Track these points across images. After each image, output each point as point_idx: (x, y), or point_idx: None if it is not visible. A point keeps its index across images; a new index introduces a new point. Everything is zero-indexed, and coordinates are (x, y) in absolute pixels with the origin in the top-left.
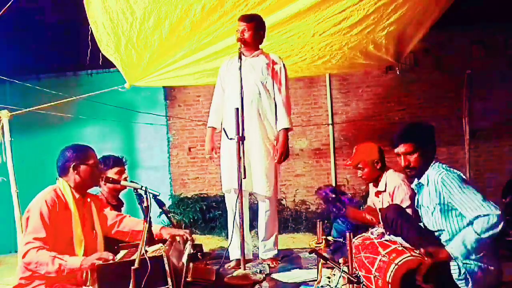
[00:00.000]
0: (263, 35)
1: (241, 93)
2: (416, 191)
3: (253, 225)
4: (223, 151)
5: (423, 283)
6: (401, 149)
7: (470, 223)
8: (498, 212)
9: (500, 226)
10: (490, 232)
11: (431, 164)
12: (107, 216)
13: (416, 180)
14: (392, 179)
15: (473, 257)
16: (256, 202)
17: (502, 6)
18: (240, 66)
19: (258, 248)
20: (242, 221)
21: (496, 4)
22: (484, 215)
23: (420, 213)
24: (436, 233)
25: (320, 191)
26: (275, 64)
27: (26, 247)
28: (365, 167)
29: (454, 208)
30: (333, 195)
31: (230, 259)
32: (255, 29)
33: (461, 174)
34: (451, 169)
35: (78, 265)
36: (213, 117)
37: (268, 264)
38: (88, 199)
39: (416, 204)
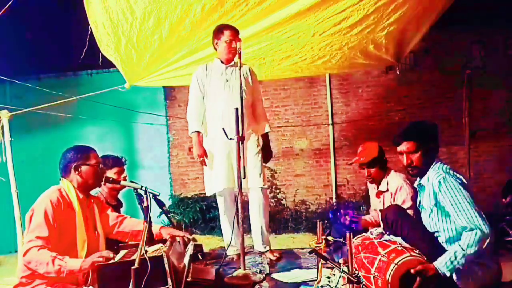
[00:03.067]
0: None
1: (241, 93)
2: (418, 191)
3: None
4: (209, 154)
5: None
6: (403, 147)
7: (463, 229)
8: (487, 229)
9: (486, 243)
10: (476, 248)
11: (433, 164)
12: (108, 217)
13: (417, 180)
14: (394, 179)
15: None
16: (246, 200)
17: (502, 6)
18: (240, 66)
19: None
20: (238, 220)
21: (496, 4)
22: (471, 229)
23: (420, 214)
24: (435, 234)
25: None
26: (253, 74)
27: (28, 245)
28: (375, 165)
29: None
30: (346, 216)
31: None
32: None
33: (462, 178)
34: (452, 172)
35: (78, 267)
36: (196, 121)
37: (270, 258)
38: (92, 200)
39: (417, 204)
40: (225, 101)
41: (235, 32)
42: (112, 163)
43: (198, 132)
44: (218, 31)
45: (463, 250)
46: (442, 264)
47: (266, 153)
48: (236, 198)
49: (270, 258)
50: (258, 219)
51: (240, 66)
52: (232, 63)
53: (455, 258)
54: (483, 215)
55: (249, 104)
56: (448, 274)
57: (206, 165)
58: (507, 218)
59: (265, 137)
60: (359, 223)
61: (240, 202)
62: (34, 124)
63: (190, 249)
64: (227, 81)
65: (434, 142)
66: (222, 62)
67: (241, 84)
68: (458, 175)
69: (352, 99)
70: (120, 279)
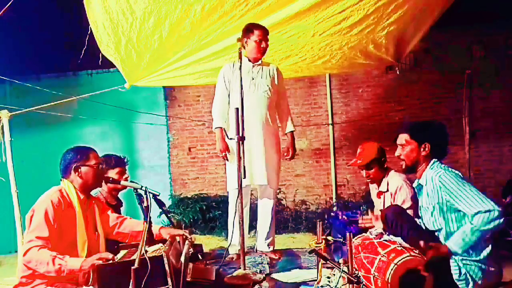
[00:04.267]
0: None
1: (241, 94)
2: (416, 191)
3: (252, 225)
4: (231, 150)
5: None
6: (398, 139)
7: (470, 219)
8: (499, 208)
9: (501, 221)
10: (490, 226)
11: (431, 164)
12: (108, 218)
13: (416, 181)
14: (394, 180)
15: (472, 257)
16: (256, 202)
17: (502, 6)
18: (240, 66)
19: (258, 244)
20: (242, 220)
21: (496, 4)
22: (485, 211)
23: (420, 214)
24: (436, 233)
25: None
26: (279, 73)
27: (28, 245)
28: (374, 166)
29: (453, 207)
30: (347, 217)
31: (230, 253)
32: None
33: (460, 173)
34: (450, 168)
35: (78, 267)
36: (220, 118)
37: (272, 257)
38: (92, 201)
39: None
40: (250, 99)
41: (265, 32)
42: (115, 162)
43: (222, 128)
44: (248, 30)
45: (475, 227)
46: (453, 242)
47: (292, 151)
48: (241, 196)
49: (272, 258)
50: (268, 218)
51: (241, 65)
52: (259, 62)
53: (466, 235)
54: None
55: (274, 104)
56: (459, 252)
57: (228, 160)
58: (507, 218)
59: (290, 136)
60: (358, 223)
61: (241, 202)
62: (34, 124)
63: (185, 247)
64: (253, 79)
65: (429, 141)
66: (249, 60)
67: (241, 83)
68: (455, 171)
69: (352, 99)
70: (120, 279)
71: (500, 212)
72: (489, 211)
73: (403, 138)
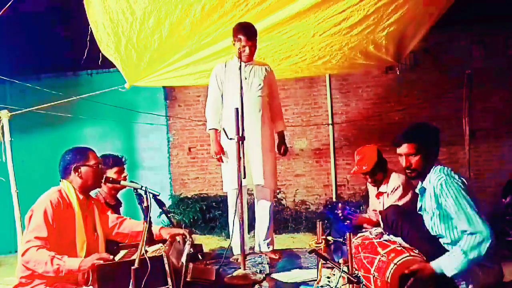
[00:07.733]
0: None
1: (241, 94)
2: (419, 195)
3: (252, 225)
4: (227, 150)
5: None
6: (403, 149)
7: (463, 232)
8: (488, 233)
9: (487, 246)
10: (478, 251)
11: (433, 167)
12: (108, 218)
13: (419, 184)
14: (393, 181)
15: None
16: (253, 201)
17: (502, 6)
18: (240, 66)
19: (257, 244)
20: (242, 220)
21: (496, 4)
22: (471, 233)
23: (423, 217)
24: (438, 237)
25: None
26: (271, 73)
27: (27, 245)
28: (377, 171)
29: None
30: (342, 213)
31: (234, 254)
32: (256, 43)
33: (464, 180)
34: (453, 174)
35: (77, 267)
36: (214, 119)
37: (272, 257)
38: (92, 201)
39: (419, 208)
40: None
41: (247, 37)
42: (113, 162)
43: (216, 129)
44: (234, 33)
45: (464, 254)
46: (441, 266)
47: (284, 149)
48: (240, 196)
49: (271, 258)
50: (266, 219)
51: (240, 66)
52: (252, 61)
53: (456, 261)
54: (484, 219)
55: (266, 103)
56: (449, 275)
57: (222, 162)
58: (507, 218)
59: (280, 134)
60: (352, 220)
61: (241, 202)
62: (34, 124)
63: (187, 248)
64: (245, 78)
65: (435, 146)
66: (243, 61)
67: (241, 84)
68: (459, 177)
69: (352, 99)
70: (120, 279)
71: (487, 236)
72: (475, 233)
73: (409, 147)
